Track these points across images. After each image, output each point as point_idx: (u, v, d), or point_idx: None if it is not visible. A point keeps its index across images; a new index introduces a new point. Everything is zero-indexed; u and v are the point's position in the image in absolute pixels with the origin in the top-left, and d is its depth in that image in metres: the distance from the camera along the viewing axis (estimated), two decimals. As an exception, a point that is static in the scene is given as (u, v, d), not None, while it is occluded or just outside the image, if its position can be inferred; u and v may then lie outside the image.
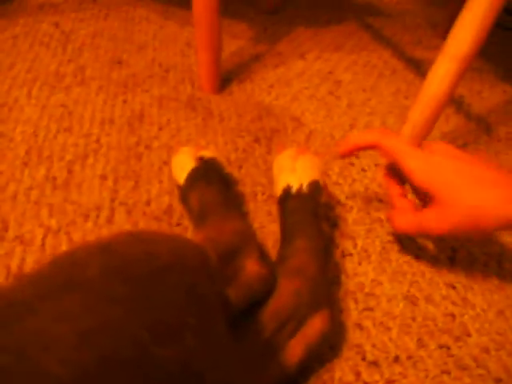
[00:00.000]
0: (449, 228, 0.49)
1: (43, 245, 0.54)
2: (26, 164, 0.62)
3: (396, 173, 0.58)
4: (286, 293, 0.44)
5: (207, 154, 0.58)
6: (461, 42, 0.61)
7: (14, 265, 0.51)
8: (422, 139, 0.67)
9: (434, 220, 0.50)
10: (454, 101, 0.91)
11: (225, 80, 0.86)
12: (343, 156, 0.57)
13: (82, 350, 0.22)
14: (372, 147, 0.55)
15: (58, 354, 0.21)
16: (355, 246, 0.60)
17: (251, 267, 0.44)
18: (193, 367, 0.25)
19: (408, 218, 0.54)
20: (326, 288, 0.47)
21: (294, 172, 0.54)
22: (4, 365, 0.21)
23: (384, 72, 0.97)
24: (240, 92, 0.84)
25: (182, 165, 0.56)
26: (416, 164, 0.51)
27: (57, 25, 0.93)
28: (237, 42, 0.99)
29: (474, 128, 0.86)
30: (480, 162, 0.49)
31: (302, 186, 0.53)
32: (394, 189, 0.58)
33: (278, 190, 0.55)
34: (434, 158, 0.51)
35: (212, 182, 0.55)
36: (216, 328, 0.31)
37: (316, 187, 0.53)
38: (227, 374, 0.29)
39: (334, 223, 0.62)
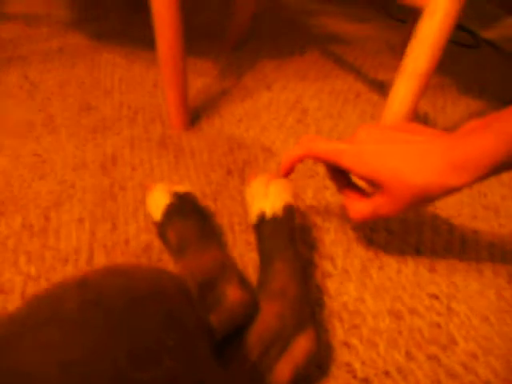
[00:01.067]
0: (400, 208, 0.50)
1: (24, 292, 0.53)
2: (2, 214, 0.62)
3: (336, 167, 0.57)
4: (268, 316, 0.45)
5: (181, 188, 0.58)
6: (417, 58, 0.63)
7: (-4, 315, 0.51)
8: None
9: (386, 205, 0.51)
10: (419, 118, 0.94)
11: (194, 117, 0.87)
12: (286, 176, 0.58)
13: (64, 379, 0.22)
14: (307, 158, 0.56)
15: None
16: (335, 266, 0.61)
17: (232, 293, 0.44)
18: None
19: (361, 206, 0.54)
20: (308, 307, 0.47)
21: (266, 197, 0.55)
22: None
23: (349, 96, 1.00)
24: (210, 127, 0.85)
25: (157, 201, 0.56)
26: (351, 160, 0.51)
27: (25, 76, 0.94)
28: (203, 79, 1.01)
29: (441, 142, 0.87)
30: (413, 135, 0.50)
31: (275, 210, 0.54)
32: (340, 181, 0.58)
33: (253, 217, 0.56)
34: (366, 148, 0.51)
35: (188, 215, 0.55)
36: (197, 351, 0.31)
37: (290, 210, 0.54)
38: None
39: (312, 245, 0.63)
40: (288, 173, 0.58)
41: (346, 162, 0.52)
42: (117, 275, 0.33)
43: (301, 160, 0.56)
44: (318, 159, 0.55)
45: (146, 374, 0.24)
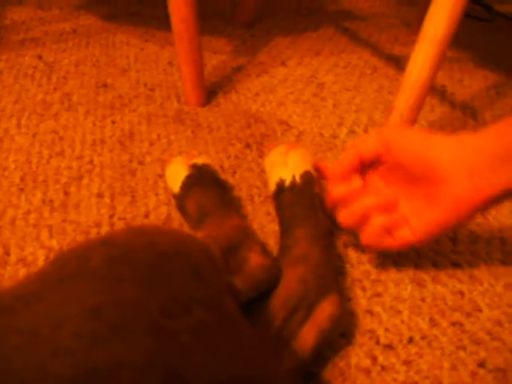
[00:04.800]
0: (465, 216, 0.46)
1: (46, 265, 0.54)
2: (22, 190, 0.62)
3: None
4: (291, 281, 0.44)
5: (200, 160, 0.58)
6: (436, 25, 0.62)
7: (19, 287, 0.51)
8: (410, 127, 0.68)
9: (446, 212, 0.47)
10: (437, 91, 0.92)
11: (210, 93, 0.86)
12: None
13: (94, 323, 0.22)
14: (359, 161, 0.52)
15: (70, 329, 0.22)
16: (356, 235, 0.60)
17: (254, 259, 0.44)
18: (204, 338, 0.25)
19: (413, 227, 0.49)
20: (331, 273, 0.47)
21: (285, 166, 0.55)
22: (18, 345, 0.21)
23: (365, 71, 0.99)
24: (226, 103, 0.84)
25: (176, 173, 0.56)
26: (400, 139, 0.49)
27: (40, 57, 0.94)
28: (218, 56, 1.00)
29: (459, 115, 0.87)
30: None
31: (294, 177, 0.53)
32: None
33: (272, 186, 0.55)
34: (414, 131, 0.50)
35: (207, 186, 0.55)
36: (226, 305, 0.31)
37: (309, 177, 0.54)
38: (242, 347, 0.29)
39: (332, 216, 0.62)
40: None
41: (395, 142, 0.49)
42: (141, 234, 0.33)
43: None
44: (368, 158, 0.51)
45: (177, 323, 0.24)
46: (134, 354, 0.21)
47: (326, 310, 0.43)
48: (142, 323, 0.23)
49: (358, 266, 0.56)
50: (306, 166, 0.55)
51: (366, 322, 0.50)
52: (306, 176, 0.54)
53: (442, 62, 0.65)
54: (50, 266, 0.29)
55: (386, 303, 0.52)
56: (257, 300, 0.44)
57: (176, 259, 0.31)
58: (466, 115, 0.87)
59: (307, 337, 0.42)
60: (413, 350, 0.48)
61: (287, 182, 0.53)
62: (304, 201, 0.52)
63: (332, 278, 0.46)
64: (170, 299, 0.26)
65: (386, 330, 0.50)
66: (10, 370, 0.19)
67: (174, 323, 0.24)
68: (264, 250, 0.47)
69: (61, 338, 0.21)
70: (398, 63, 1.02)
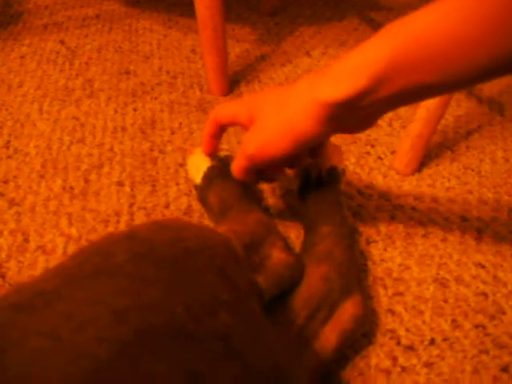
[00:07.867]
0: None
1: (65, 253, 0.53)
2: (42, 176, 0.62)
3: None
4: (315, 279, 0.44)
5: (222, 151, 0.57)
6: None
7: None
8: (436, 122, 0.66)
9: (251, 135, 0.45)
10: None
11: (233, 82, 0.86)
12: (209, 154, 0.55)
13: (118, 327, 0.21)
14: (222, 126, 0.52)
15: (93, 333, 0.21)
16: (379, 232, 0.59)
17: (277, 255, 0.43)
18: (230, 342, 0.24)
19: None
20: (355, 272, 0.46)
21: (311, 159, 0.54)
22: (40, 347, 0.20)
23: (391, 63, 0.97)
24: (249, 92, 0.83)
25: (198, 164, 0.56)
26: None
27: (62, 42, 0.94)
28: (242, 44, 0.99)
29: (486, 110, 0.85)
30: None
31: (321, 173, 0.52)
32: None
33: (297, 179, 0.54)
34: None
35: (230, 178, 0.54)
36: (251, 307, 0.30)
37: (335, 173, 0.53)
38: (267, 349, 0.28)
39: (356, 212, 0.61)
40: (210, 150, 0.55)
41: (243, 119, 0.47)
42: (165, 229, 0.32)
43: (216, 133, 0.53)
44: (228, 124, 0.51)
45: (202, 327, 0.23)
46: (159, 362, 0.21)
47: (349, 310, 0.42)
48: (168, 328, 0.22)
49: (381, 263, 0.55)
50: (333, 160, 0.53)
51: (387, 322, 0.50)
52: (333, 171, 0.52)
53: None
54: (71, 259, 0.28)
55: (408, 303, 0.52)
56: (279, 297, 0.43)
57: (201, 256, 0.30)
58: (492, 110, 0.85)
59: (329, 337, 0.41)
60: (434, 351, 0.47)
61: (313, 177, 0.52)
62: (329, 197, 0.51)
63: (356, 277, 0.45)
64: (195, 301, 0.25)
65: (407, 330, 0.49)
66: (31, 374, 0.19)
67: (199, 327, 0.23)
68: (287, 245, 0.46)
69: (83, 343, 0.20)
70: (424, 56, 1.00)
